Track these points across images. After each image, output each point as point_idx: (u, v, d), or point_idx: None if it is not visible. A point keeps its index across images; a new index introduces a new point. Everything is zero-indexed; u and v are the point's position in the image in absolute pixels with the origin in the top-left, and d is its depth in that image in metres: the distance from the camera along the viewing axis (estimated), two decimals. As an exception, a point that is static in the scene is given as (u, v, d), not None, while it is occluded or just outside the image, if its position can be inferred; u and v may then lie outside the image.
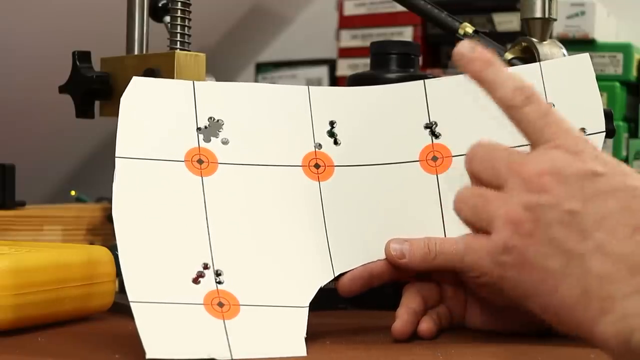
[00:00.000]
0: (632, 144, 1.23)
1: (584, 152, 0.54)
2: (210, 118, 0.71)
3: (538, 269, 0.52)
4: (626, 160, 1.23)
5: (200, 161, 0.69)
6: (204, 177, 0.69)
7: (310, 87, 0.75)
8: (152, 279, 0.64)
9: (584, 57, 0.76)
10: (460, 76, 0.78)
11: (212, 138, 0.70)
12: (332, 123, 0.74)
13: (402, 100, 0.76)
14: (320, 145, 0.73)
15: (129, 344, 0.63)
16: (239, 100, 0.72)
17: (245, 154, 0.71)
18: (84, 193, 1.21)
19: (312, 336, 0.65)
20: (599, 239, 0.50)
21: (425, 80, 0.76)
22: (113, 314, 0.77)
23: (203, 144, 0.70)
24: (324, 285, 0.68)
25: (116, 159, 0.67)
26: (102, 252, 0.77)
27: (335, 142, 0.74)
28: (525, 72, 0.77)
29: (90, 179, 1.48)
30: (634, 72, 1.24)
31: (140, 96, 0.70)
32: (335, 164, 0.73)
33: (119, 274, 0.81)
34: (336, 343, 0.68)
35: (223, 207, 0.68)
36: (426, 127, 0.75)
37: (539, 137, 0.57)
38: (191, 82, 0.71)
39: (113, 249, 0.82)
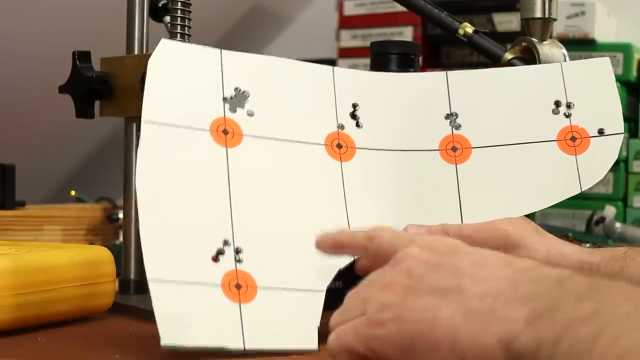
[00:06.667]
0: (632, 144, 1.23)
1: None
2: (237, 89, 0.70)
3: (416, 310, 0.49)
4: (626, 160, 1.23)
5: (225, 131, 0.68)
6: (228, 149, 0.68)
7: (334, 67, 0.75)
8: (172, 255, 0.63)
9: (605, 61, 0.78)
10: (482, 70, 0.79)
11: (237, 109, 0.69)
12: (354, 105, 0.74)
13: (424, 89, 0.76)
14: (342, 126, 0.73)
15: (129, 344, 0.63)
16: (264, 73, 0.71)
17: (269, 128, 0.70)
18: (84, 193, 1.21)
19: (312, 336, 0.65)
20: (473, 273, 0.49)
21: (448, 72, 0.77)
22: (113, 314, 0.77)
23: (228, 114, 0.69)
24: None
25: (142, 123, 0.65)
26: (102, 252, 0.77)
27: (357, 125, 0.74)
28: (546, 71, 0.78)
29: (90, 179, 1.48)
30: (634, 72, 1.24)
31: (168, 59, 0.68)
32: (357, 146, 0.73)
33: (119, 274, 0.81)
34: (336, 343, 0.68)
35: (246, 181, 0.67)
36: (447, 117, 0.76)
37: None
38: (218, 50, 0.70)
39: (113, 249, 0.82)
